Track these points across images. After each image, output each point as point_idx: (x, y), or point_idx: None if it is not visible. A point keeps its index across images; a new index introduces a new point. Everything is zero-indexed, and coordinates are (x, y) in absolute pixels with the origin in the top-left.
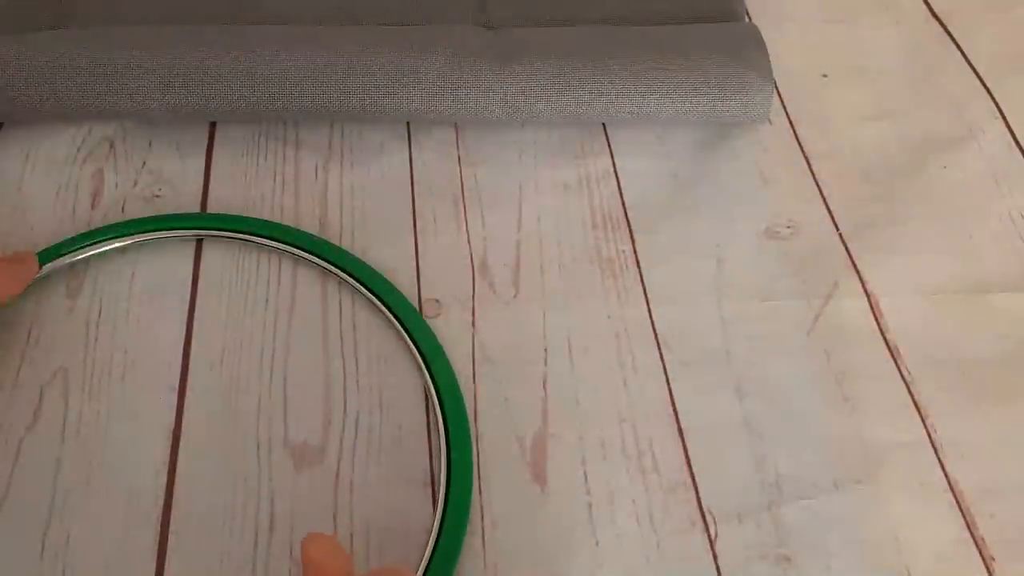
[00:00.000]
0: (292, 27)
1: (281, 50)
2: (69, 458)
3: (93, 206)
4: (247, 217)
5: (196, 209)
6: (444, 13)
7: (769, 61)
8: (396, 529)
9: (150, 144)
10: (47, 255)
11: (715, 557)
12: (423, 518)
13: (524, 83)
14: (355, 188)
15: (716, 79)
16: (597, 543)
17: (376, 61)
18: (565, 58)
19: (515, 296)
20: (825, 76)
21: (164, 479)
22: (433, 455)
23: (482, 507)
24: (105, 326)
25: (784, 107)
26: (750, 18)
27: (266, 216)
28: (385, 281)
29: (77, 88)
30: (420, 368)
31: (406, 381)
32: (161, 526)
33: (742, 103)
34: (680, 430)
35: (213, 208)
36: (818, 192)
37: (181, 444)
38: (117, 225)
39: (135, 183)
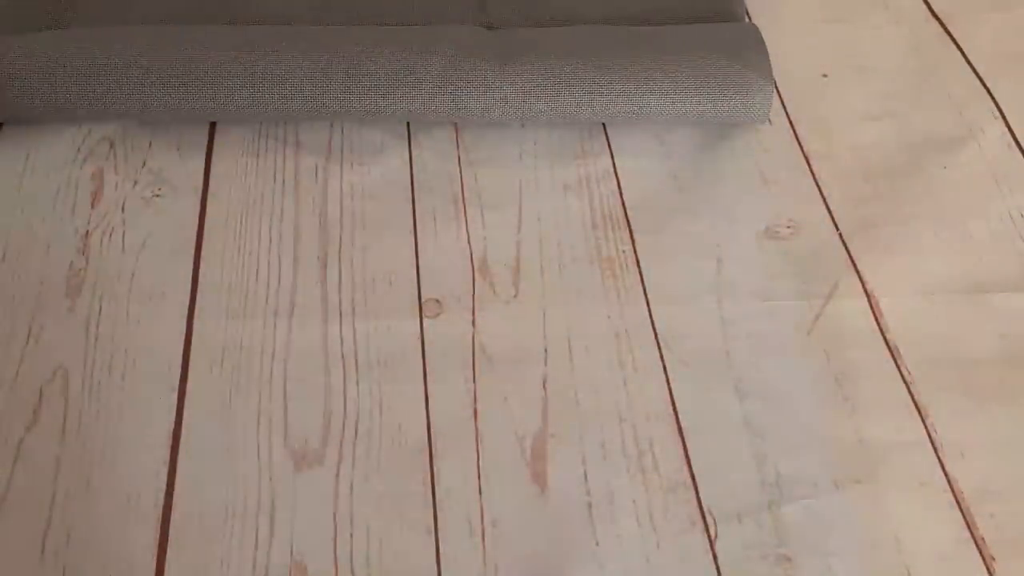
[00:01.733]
0: (292, 27)
1: (281, 50)
2: (69, 458)
3: (93, 206)
4: None
5: (196, 209)
6: (444, 13)
7: (769, 61)
8: (396, 529)
9: (150, 144)
10: None
11: (715, 557)
12: (422, 518)
13: (524, 83)
14: (355, 188)
15: (716, 79)
16: (597, 543)
17: (376, 61)
18: (565, 58)
19: (515, 296)
20: (825, 76)
21: (164, 479)
22: (432, 455)
23: (482, 507)
24: (105, 326)
25: (784, 107)
26: (750, 18)
27: (266, 216)
28: None
29: (77, 88)
30: None
31: (406, 382)
32: (161, 526)
33: (742, 103)
34: (680, 430)
35: (213, 208)
36: (818, 192)
37: (181, 444)
38: None
39: (135, 183)
